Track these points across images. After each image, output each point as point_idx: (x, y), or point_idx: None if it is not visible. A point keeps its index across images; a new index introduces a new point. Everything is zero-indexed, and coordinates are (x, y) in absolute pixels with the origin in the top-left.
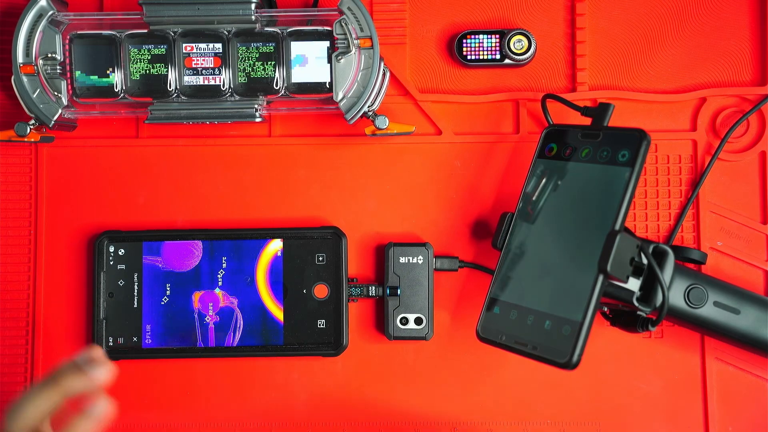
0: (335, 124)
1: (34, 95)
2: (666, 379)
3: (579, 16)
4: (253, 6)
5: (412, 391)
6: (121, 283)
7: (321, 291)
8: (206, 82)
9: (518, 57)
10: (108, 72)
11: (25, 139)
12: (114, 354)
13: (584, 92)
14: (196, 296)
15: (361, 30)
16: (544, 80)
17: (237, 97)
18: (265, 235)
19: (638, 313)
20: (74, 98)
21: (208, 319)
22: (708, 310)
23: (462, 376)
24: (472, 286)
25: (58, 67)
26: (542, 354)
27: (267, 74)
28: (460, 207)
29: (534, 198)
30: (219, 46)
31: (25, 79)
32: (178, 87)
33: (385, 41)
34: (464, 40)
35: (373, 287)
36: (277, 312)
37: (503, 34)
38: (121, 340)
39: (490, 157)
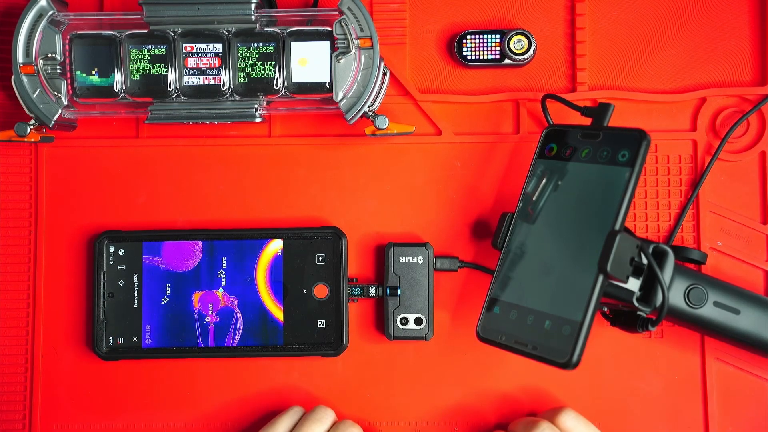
0: (335, 124)
1: (34, 95)
2: (666, 379)
3: (579, 16)
4: (253, 6)
5: (412, 391)
6: (121, 283)
7: (321, 291)
8: (206, 82)
9: (518, 57)
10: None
11: (25, 139)
12: (114, 354)
13: (584, 92)
14: (196, 296)
15: (361, 30)
16: (544, 80)
17: (237, 97)
18: (265, 235)
19: (638, 313)
20: (74, 98)
21: (208, 319)
22: (708, 310)
23: (462, 376)
24: (472, 286)
25: (58, 67)
26: (542, 354)
27: (267, 74)
28: (460, 207)
29: (534, 198)
30: (219, 46)
31: (25, 79)
32: (178, 87)
33: (385, 41)
34: (464, 40)
35: (373, 287)
36: (277, 312)
37: (503, 34)
38: (121, 340)
39: (490, 157)
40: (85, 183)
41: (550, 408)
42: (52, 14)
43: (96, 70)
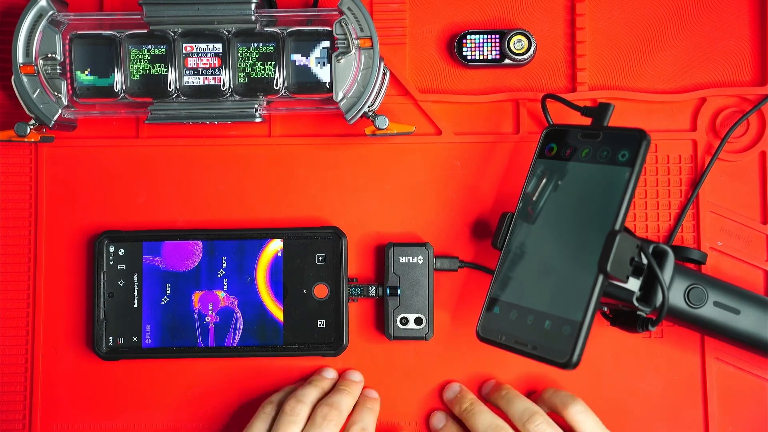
0: (335, 124)
1: (34, 95)
2: (666, 379)
3: (579, 16)
4: (253, 6)
5: (412, 391)
6: (121, 283)
7: (321, 291)
8: (206, 82)
9: (518, 57)
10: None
11: (25, 139)
12: (114, 354)
13: (584, 92)
14: (196, 296)
15: (361, 30)
16: (544, 80)
17: (237, 97)
18: (265, 235)
19: (638, 313)
20: (74, 98)
21: (208, 319)
22: (708, 310)
23: (462, 376)
24: (472, 286)
25: (58, 67)
26: (542, 354)
27: (267, 74)
28: (460, 207)
29: (534, 198)
30: (219, 46)
31: (25, 79)
32: (178, 87)
33: (385, 41)
34: (464, 40)
35: (373, 287)
36: (277, 312)
37: (503, 34)
38: (121, 340)
39: (490, 157)
40: (85, 183)
41: (552, 388)
42: (52, 14)
43: (89, 70)
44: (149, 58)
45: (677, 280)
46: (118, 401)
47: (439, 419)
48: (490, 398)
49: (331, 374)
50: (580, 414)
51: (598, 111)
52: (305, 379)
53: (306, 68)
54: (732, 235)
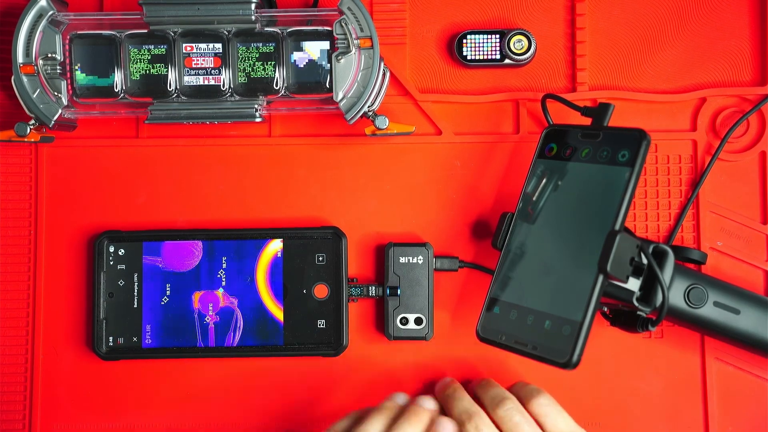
0: (335, 124)
1: (34, 95)
2: (666, 379)
3: (579, 16)
4: (253, 6)
5: (412, 391)
6: (121, 283)
7: (321, 291)
8: (206, 82)
9: (518, 57)
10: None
11: (25, 139)
12: (114, 354)
13: (584, 92)
14: (196, 296)
15: (361, 30)
16: (544, 80)
17: (237, 97)
18: (265, 235)
19: (638, 313)
20: (74, 98)
21: (208, 319)
22: (708, 310)
23: (462, 376)
24: (472, 286)
25: (58, 67)
26: (542, 354)
27: (267, 74)
28: (460, 207)
29: (534, 198)
30: (219, 46)
31: (25, 79)
32: (178, 87)
33: (385, 41)
34: (464, 40)
35: (373, 287)
36: (277, 312)
37: (503, 34)
38: (121, 340)
39: (490, 157)
40: (85, 183)
41: (522, 382)
42: (52, 14)
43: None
44: (149, 58)
45: (677, 280)
46: (118, 401)
47: (425, 401)
48: (473, 391)
49: (401, 399)
50: (545, 406)
51: (598, 111)
52: (305, 379)
53: (309, 64)
54: (732, 235)
